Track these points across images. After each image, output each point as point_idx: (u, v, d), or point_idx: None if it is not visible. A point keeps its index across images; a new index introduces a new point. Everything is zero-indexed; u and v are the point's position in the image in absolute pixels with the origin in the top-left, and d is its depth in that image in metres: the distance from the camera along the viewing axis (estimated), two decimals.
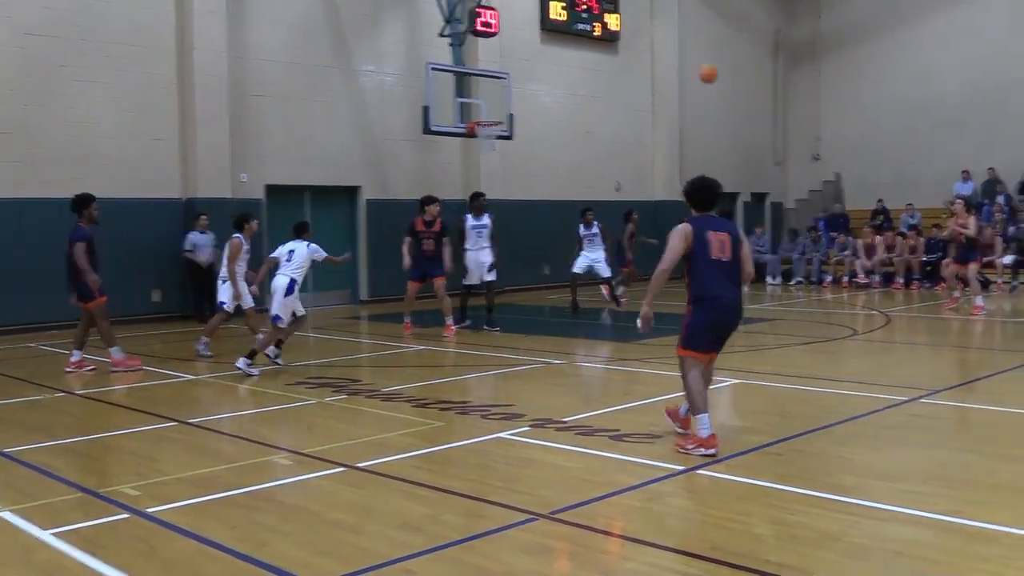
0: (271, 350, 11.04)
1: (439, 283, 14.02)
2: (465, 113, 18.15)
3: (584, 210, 17.33)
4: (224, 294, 12.09)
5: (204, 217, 16.43)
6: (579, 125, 23.39)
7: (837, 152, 28.08)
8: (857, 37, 27.64)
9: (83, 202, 11.03)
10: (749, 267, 6.86)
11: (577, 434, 7.19)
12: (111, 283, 15.75)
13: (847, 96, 27.85)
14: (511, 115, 18.60)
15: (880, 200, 25.26)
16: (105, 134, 15.94)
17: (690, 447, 6.49)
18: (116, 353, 11.07)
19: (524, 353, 11.85)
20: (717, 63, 26.77)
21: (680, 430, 7.00)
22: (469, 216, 14.60)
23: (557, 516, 5.21)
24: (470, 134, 18.20)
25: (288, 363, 11.26)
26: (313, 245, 11.52)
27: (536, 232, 21.71)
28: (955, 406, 8.22)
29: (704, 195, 6.87)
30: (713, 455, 6.35)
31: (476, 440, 7.14)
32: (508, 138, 18.89)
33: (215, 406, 9.19)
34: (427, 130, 17.65)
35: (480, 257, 14.44)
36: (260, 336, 11.05)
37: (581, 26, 23.18)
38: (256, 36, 17.84)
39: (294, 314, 11.20)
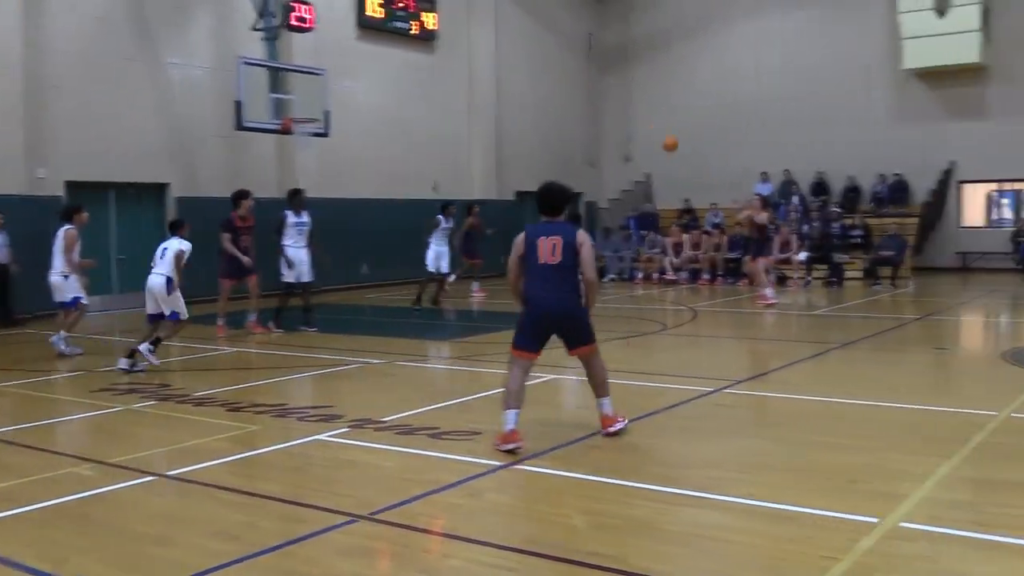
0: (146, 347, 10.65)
1: (255, 281, 13.80)
2: (280, 109, 17.72)
3: (446, 204, 17.78)
4: (73, 288, 11.94)
5: None
6: (396, 123, 23.31)
7: (647, 153, 29.08)
8: (666, 42, 28.78)
9: None
10: (588, 273, 6.89)
11: (397, 433, 7.16)
12: None
13: (657, 99, 28.95)
14: (327, 112, 18.32)
15: (687, 200, 26.40)
16: None
17: (496, 443, 6.57)
18: None
19: (343, 353, 11.71)
20: (533, 65, 27.45)
21: (612, 429, 7.01)
22: (290, 213, 14.26)
23: (377, 517, 5.18)
24: (285, 131, 17.79)
25: (92, 369, 10.70)
26: (186, 243, 11.26)
27: (353, 231, 21.48)
28: (756, 395, 8.68)
29: (543, 200, 7.13)
30: (512, 450, 6.42)
31: (293, 443, 7.00)
32: (324, 135, 18.59)
33: (9, 416, 8.61)
34: (240, 126, 17.13)
35: (302, 255, 14.14)
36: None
37: (398, 24, 23.11)
38: (53, 23, 16.84)
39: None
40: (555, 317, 6.93)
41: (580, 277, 6.90)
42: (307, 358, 11.42)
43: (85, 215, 12.42)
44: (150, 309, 10.96)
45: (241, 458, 6.58)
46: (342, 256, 21.29)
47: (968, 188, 25.08)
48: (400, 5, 23.11)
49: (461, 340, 13.00)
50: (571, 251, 6.81)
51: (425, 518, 5.28)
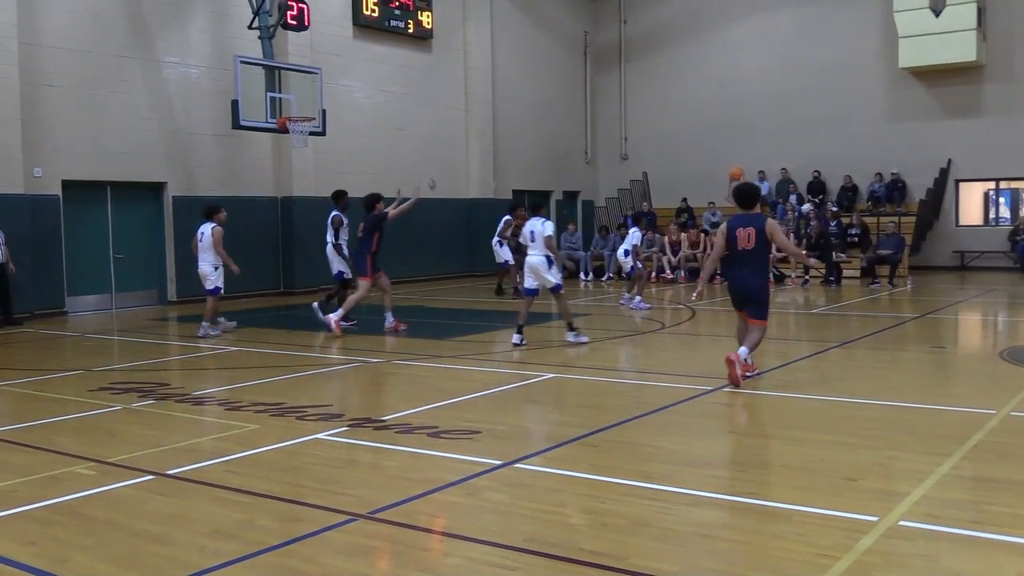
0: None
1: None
2: (276, 108, 17.73)
3: (515, 207, 18.54)
4: (217, 279, 13.62)
5: None
6: (392, 122, 23.31)
7: (644, 152, 29.19)
8: (661, 42, 28.82)
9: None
10: (789, 248, 9.95)
11: (396, 432, 7.17)
12: None
13: (652, 98, 29.00)
14: (323, 111, 18.32)
15: (684, 199, 26.42)
16: None
17: (748, 374, 8.83)
18: None
19: (342, 352, 11.70)
20: (529, 63, 27.45)
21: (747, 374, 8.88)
22: (341, 213, 14.62)
23: (377, 516, 5.18)
24: (281, 130, 17.80)
25: (91, 368, 10.70)
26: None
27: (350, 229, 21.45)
28: (755, 394, 8.69)
29: (740, 197, 9.05)
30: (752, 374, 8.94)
31: (292, 442, 6.99)
32: (321, 134, 18.60)
33: (10, 416, 8.62)
34: (237, 125, 17.14)
35: (345, 252, 14.62)
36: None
37: (394, 23, 23.10)
38: (50, 22, 16.83)
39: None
40: (744, 293, 8.97)
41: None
42: (306, 357, 11.41)
43: (223, 214, 13.84)
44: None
45: (240, 457, 6.58)
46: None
47: (965, 187, 25.13)
48: (396, 4, 23.10)
49: (460, 339, 12.99)
50: (763, 237, 8.75)
51: (425, 517, 5.28)
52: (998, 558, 4.48)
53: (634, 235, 16.62)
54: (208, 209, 13.99)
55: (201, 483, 5.91)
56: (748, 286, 8.92)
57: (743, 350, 8.84)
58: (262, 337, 13.49)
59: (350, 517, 5.16)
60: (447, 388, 9.65)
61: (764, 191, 24.39)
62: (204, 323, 13.52)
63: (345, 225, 14.56)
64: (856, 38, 25.44)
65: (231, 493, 5.69)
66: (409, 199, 14.06)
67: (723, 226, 9.04)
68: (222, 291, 13.80)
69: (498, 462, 6.24)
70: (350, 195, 21.68)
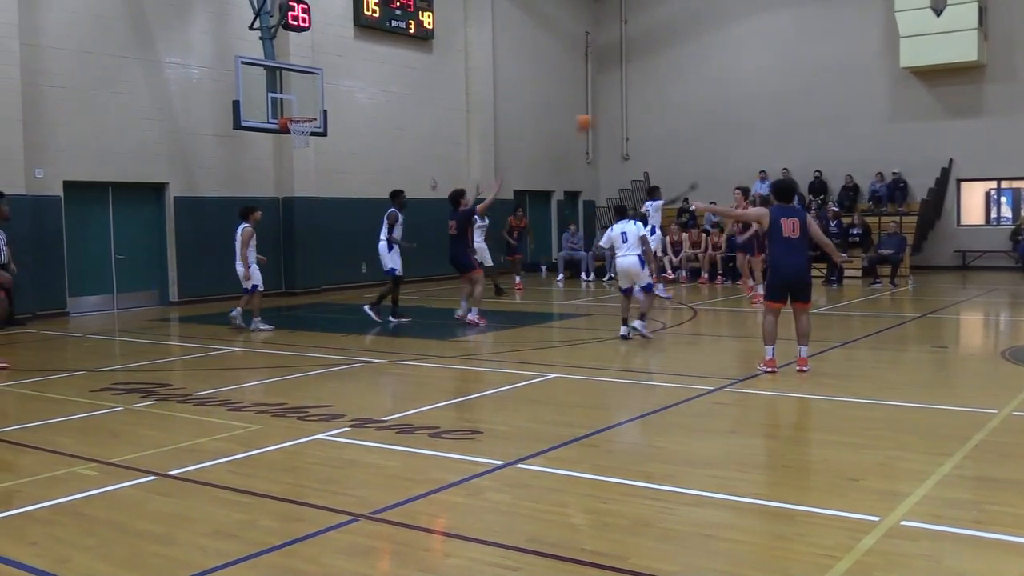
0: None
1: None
2: (277, 108, 17.73)
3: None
4: (255, 277, 14.01)
5: None
6: (394, 122, 23.31)
7: (645, 152, 29.18)
8: (662, 42, 28.81)
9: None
10: (824, 239, 9.90)
11: (398, 433, 7.17)
12: None
13: (653, 98, 29.00)
14: (325, 111, 18.31)
15: (685, 199, 26.38)
16: None
17: (758, 366, 9.41)
18: None
19: (342, 352, 11.71)
20: (530, 63, 27.46)
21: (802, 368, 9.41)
22: (399, 210, 14.87)
23: (378, 516, 5.18)
24: (283, 130, 17.79)
25: (92, 368, 10.70)
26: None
27: (351, 230, 21.48)
28: (756, 394, 8.69)
29: (782, 190, 9.74)
30: (772, 372, 9.28)
31: (294, 442, 7.00)
32: (322, 134, 18.59)
33: (11, 416, 8.62)
34: (238, 126, 17.13)
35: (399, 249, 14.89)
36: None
37: (395, 23, 23.09)
38: (50, 22, 16.83)
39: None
40: (794, 279, 9.37)
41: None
42: (307, 357, 11.42)
43: (259, 213, 14.22)
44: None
45: (242, 457, 6.58)
46: (340, 255, 21.38)
47: (967, 186, 25.10)
48: (397, 4, 23.10)
49: (461, 339, 12.99)
50: (804, 228, 9.30)
51: (426, 517, 5.29)
52: (1001, 558, 4.48)
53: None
54: (243, 209, 14.26)
55: (203, 483, 5.91)
56: (802, 271, 9.52)
57: (804, 349, 9.51)
58: (263, 338, 13.48)
59: (351, 517, 5.16)
60: (449, 388, 9.66)
61: (765, 191, 24.41)
62: (255, 319, 14.02)
63: (400, 222, 14.79)
64: (857, 38, 25.43)
65: (233, 493, 5.69)
66: (485, 197, 14.97)
67: (763, 210, 9.60)
68: (261, 287, 14.22)
69: (500, 462, 6.24)
70: (351, 196, 21.88)
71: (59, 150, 16.94)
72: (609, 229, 12.94)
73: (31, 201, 16.19)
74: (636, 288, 12.43)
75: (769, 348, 9.48)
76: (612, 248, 12.86)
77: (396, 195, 15.08)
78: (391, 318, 14.61)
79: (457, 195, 14.42)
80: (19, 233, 15.49)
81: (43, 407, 8.92)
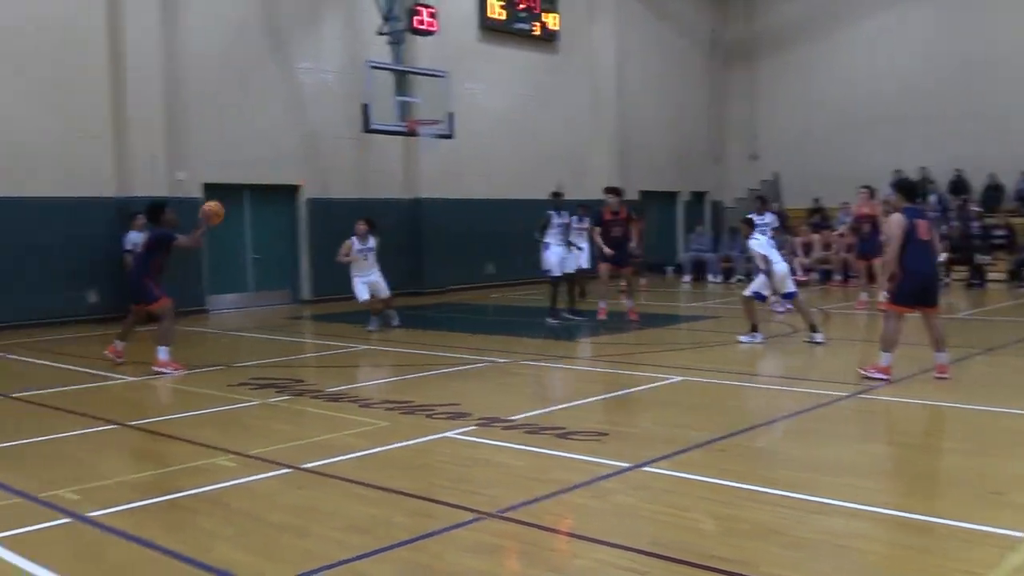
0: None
1: (630, 271, 15.19)
2: (405, 111, 18.08)
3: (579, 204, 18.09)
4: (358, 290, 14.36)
5: (141, 216, 16.07)
6: (519, 124, 23.43)
7: (774, 151, 28.53)
8: (791, 38, 28.12)
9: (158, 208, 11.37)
10: (939, 245, 9.81)
11: (524, 433, 7.21)
12: (42, 285, 15.54)
13: (783, 96, 28.33)
14: (451, 114, 18.56)
15: (816, 199, 25.73)
16: (35, 131, 15.55)
17: (871, 373, 8.95)
18: (163, 354, 10.71)
19: (469, 352, 11.84)
20: (656, 62, 27.20)
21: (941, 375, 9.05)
22: (554, 213, 15.14)
23: (505, 515, 5.22)
24: (410, 133, 18.14)
25: (230, 364, 11.12)
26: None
27: (477, 231, 21.74)
28: (891, 401, 8.40)
29: (911, 190, 9.46)
30: (887, 380, 8.83)
31: (422, 440, 7.12)
32: (448, 137, 18.85)
33: (156, 409, 9.05)
34: (367, 128, 17.53)
35: (560, 251, 15.07)
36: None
37: (520, 25, 23.22)
38: (191, 31, 17.55)
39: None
40: (929, 283, 9.14)
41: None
42: (435, 356, 11.59)
43: (361, 226, 14.35)
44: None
45: (372, 453, 6.73)
46: (466, 256, 21.65)
47: None
48: (522, 6, 23.22)
49: (589, 340, 12.97)
50: (932, 232, 9.12)
51: (552, 517, 5.30)
52: None
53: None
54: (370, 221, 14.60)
55: (335, 478, 6.07)
56: (937, 274, 9.38)
57: (944, 355, 9.17)
58: (392, 336, 13.75)
59: (479, 515, 5.22)
60: (574, 389, 9.67)
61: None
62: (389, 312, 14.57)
63: (554, 222, 15.00)
64: (1001, 29, 24.14)
65: (363, 488, 5.82)
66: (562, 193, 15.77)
67: (898, 217, 8.99)
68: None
69: (626, 464, 6.21)
70: (479, 197, 22.09)
71: (199, 154, 17.66)
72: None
73: (174, 203, 16.87)
74: (774, 296, 12.62)
75: (889, 355, 9.06)
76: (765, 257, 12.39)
77: (552, 196, 15.50)
78: (564, 315, 14.84)
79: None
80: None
81: (185, 400, 9.33)
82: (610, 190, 15.25)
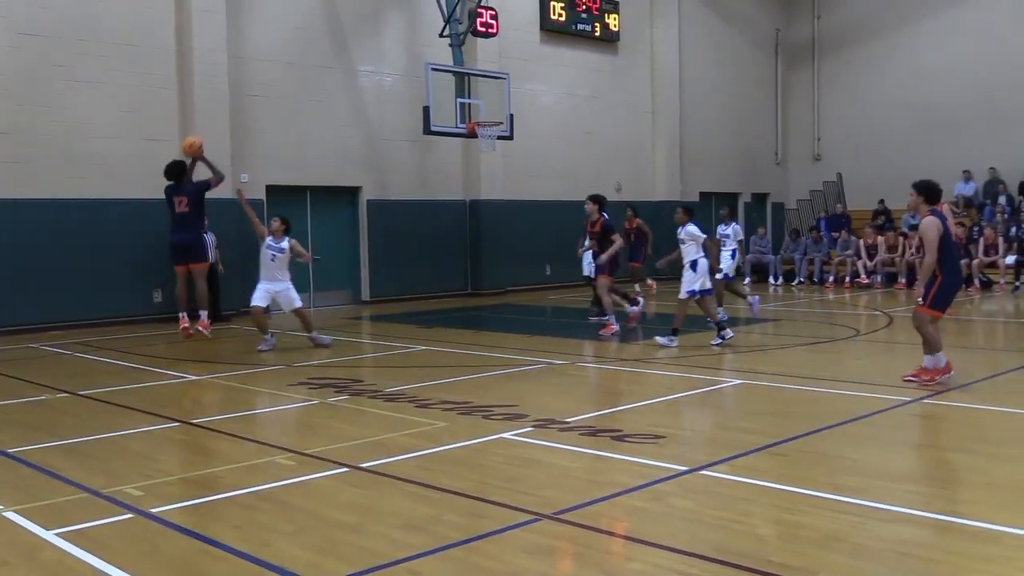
0: None
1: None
2: (465, 113, 18.15)
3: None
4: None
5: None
6: (579, 125, 23.39)
7: (837, 152, 28.10)
8: (856, 37, 27.67)
9: (182, 167, 12.49)
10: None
11: (580, 434, 7.18)
12: (112, 284, 15.88)
13: (847, 96, 27.88)
14: (511, 115, 18.59)
15: (881, 200, 25.27)
16: (104, 134, 15.92)
17: (925, 379, 8.84)
18: (204, 316, 12.02)
19: (526, 353, 11.84)
20: (717, 62, 26.98)
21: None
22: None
23: (560, 517, 5.20)
24: (471, 134, 18.20)
25: (290, 363, 11.26)
26: None
27: (536, 232, 21.75)
28: (958, 407, 8.21)
29: (935, 192, 9.05)
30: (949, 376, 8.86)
31: (479, 440, 7.13)
32: (508, 138, 18.89)
33: (217, 406, 9.19)
34: (428, 130, 17.65)
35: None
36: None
37: (581, 26, 23.17)
38: (255, 36, 17.83)
39: None
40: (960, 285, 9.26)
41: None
42: (492, 357, 11.61)
43: (276, 224, 12.88)
44: None
45: (429, 453, 6.75)
46: (525, 257, 21.66)
47: None
48: (583, 7, 23.16)
49: (648, 342, 12.88)
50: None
51: (608, 520, 5.26)
52: None
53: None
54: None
55: (392, 477, 6.10)
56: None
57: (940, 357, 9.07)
58: (450, 337, 13.80)
59: (534, 517, 5.20)
60: (632, 392, 9.60)
61: (970, 192, 23.11)
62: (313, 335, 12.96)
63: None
64: None
65: (420, 488, 5.84)
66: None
67: (934, 220, 8.77)
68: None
69: (683, 468, 6.15)
70: (538, 198, 22.09)
71: (262, 156, 17.92)
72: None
73: (237, 204, 17.14)
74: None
75: (938, 356, 8.97)
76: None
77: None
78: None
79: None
80: (227, 234, 16.48)
81: (245, 399, 9.47)
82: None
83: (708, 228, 13.75)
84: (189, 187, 12.30)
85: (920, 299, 8.88)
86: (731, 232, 15.77)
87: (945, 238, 8.79)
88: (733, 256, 15.43)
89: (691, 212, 12.54)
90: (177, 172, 12.22)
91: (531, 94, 21.86)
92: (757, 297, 15.52)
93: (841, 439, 7.07)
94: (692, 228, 12.08)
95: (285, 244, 12.61)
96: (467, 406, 8.40)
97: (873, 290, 21.02)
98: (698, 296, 12.08)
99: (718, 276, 14.19)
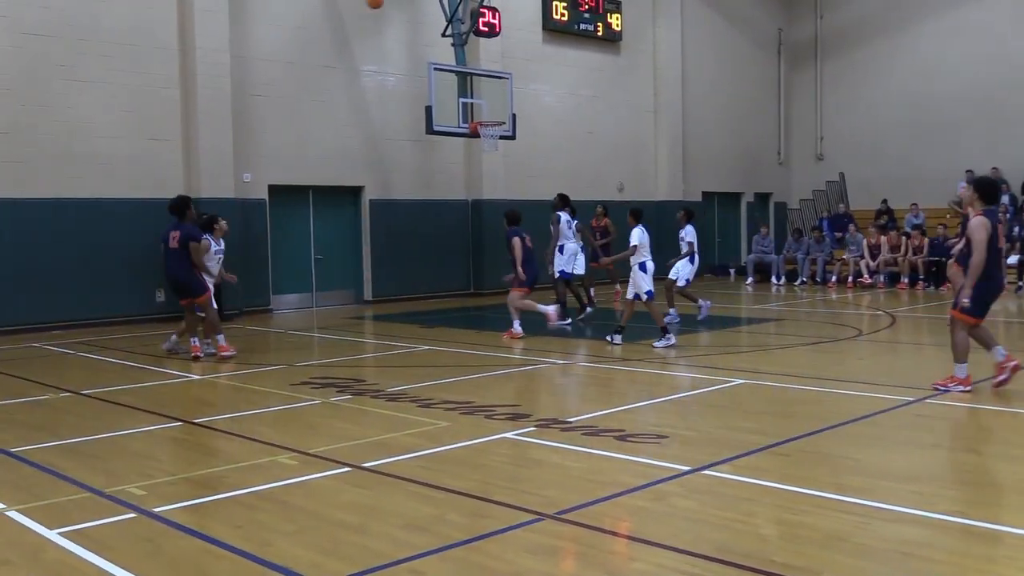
0: None
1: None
2: (468, 113, 18.13)
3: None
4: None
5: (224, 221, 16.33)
6: (581, 125, 23.38)
7: (840, 152, 28.09)
8: (858, 36, 27.65)
9: (185, 203, 12.04)
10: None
11: (582, 434, 7.17)
12: (114, 284, 15.89)
13: (850, 96, 27.87)
14: (513, 115, 18.58)
15: (884, 200, 25.25)
16: (106, 134, 15.92)
17: (950, 385, 8.52)
18: (222, 340, 11.75)
19: (528, 353, 11.83)
20: (720, 62, 26.96)
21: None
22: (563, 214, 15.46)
23: (563, 516, 5.19)
24: (473, 134, 18.18)
25: (292, 363, 11.26)
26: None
27: (538, 232, 21.67)
28: (962, 407, 8.19)
29: (993, 190, 8.74)
30: (969, 390, 8.43)
31: (481, 440, 7.12)
32: (511, 138, 18.87)
33: (219, 406, 9.18)
34: (430, 130, 17.62)
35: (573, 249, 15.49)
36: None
37: (583, 26, 23.15)
38: (257, 36, 17.83)
39: None
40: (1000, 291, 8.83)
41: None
42: (494, 357, 11.60)
43: (224, 223, 12.92)
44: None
45: (431, 453, 6.74)
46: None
47: None
48: (585, 7, 23.14)
49: (648, 342, 12.87)
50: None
51: (610, 520, 5.26)
52: None
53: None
54: (207, 219, 12.85)
55: (394, 477, 6.10)
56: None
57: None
58: (452, 337, 13.80)
59: (537, 516, 5.20)
60: (633, 391, 9.59)
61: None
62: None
63: (558, 225, 15.33)
64: None
65: (423, 488, 5.83)
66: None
67: (984, 220, 8.33)
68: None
69: (686, 468, 6.14)
70: (541, 198, 22.04)
71: (265, 156, 17.91)
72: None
73: (240, 204, 17.18)
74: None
75: (965, 365, 8.57)
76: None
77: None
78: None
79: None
80: (228, 233, 16.46)
81: (247, 398, 9.46)
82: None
83: (705, 228, 13.68)
84: (186, 227, 11.88)
85: (966, 300, 8.32)
86: (684, 233, 15.17)
87: (992, 241, 8.34)
88: (692, 260, 14.95)
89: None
90: (180, 208, 11.98)
91: (533, 94, 21.85)
92: (708, 302, 15.17)
93: (844, 439, 7.06)
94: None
95: (223, 245, 12.89)
96: (469, 406, 8.40)
97: (876, 290, 21.00)
98: (646, 299, 12.13)
99: (679, 284, 14.72)
